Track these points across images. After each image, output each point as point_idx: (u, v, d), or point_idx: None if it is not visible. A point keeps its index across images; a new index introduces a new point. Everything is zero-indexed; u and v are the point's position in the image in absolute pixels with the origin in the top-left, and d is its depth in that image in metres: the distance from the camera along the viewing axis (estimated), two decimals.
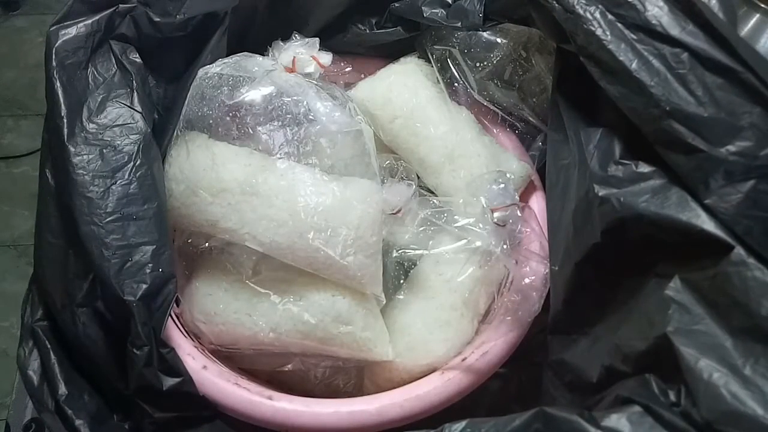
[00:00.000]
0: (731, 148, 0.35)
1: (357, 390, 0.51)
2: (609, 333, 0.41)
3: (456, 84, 0.59)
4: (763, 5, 0.54)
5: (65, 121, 0.43)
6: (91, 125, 0.44)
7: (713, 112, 0.36)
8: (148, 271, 0.42)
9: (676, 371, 0.33)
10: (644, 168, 0.39)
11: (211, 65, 0.48)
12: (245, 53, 0.50)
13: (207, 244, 0.48)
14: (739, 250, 0.34)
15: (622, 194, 0.39)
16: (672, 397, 0.33)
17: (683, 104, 0.37)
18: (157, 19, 0.48)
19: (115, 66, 0.47)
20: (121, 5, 0.47)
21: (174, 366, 0.42)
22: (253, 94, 0.47)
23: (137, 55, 0.48)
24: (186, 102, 0.48)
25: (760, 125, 0.35)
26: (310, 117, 0.48)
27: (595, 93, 0.42)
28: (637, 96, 0.38)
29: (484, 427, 0.33)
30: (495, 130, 0.60)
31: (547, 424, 0.33)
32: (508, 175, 0.52)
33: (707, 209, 0.35)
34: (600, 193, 0.39)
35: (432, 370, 0.47)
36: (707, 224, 0.35)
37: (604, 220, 0.39)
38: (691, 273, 0.36)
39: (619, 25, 0.39)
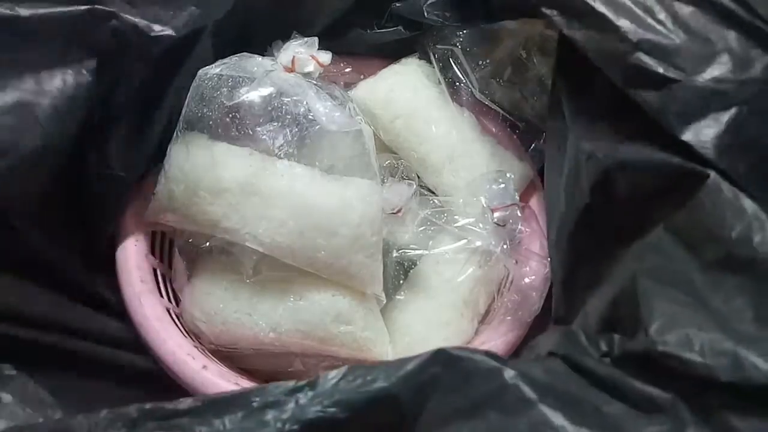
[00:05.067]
0: (707, 75, 0.34)
1: None
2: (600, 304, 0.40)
3: (457, 83, 0.59)
4: None
5: None
6: None
7: (685, 40, 0.34)
8: None
9: (635, 308, 0.32)
10: (629, 123, 0.38)
11: (210, 66, 0.48)
12: (245, 53, 0.50)
13: (207, 244, 0.49)
14: (715, 178, 0.33)
15: (606, 146, 0.38)
16: (603, 346, 0.32)
17: (651, 35, 0.35)
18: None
19: None
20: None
21: None
22: (253, 95, 0.47)
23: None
24: (186, 103, 0.48)
25: (736, 50, 0.34)
26: (310, 117, 0.47)
27: (592, 78, 0.41)
28: (603, 34, 0.36)
29: (370, 373, 0.28)
30: (495, 130, 0.60)
31: (448, 366, 0.29)
32: (508, 175, 0.52)
33: (685, 143, 0.34)
34: (586, 148, 0.39)
35: None
36: (685, 157, 0.34)
37: (591, 176, 0.39)
38: (673, 215, 0.35)
39: None
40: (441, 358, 0.29)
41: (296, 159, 0.48)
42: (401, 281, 0.52)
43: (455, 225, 0.51)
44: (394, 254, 0.52)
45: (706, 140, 0.33)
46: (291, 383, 0.28)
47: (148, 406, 0.28)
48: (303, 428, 0.27)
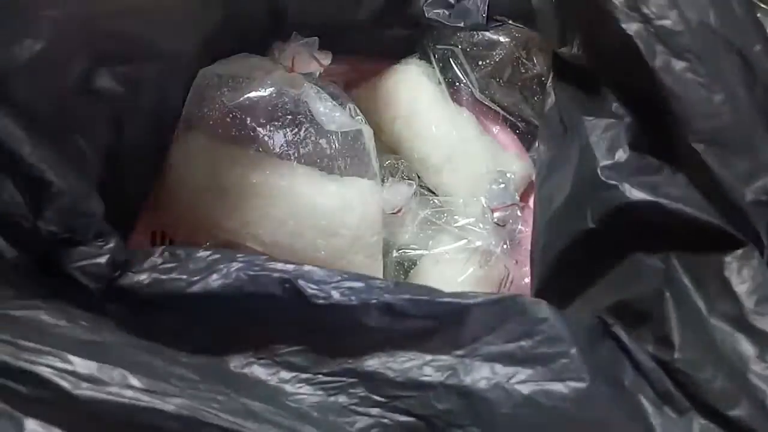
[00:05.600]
0: None
1: None
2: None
3: (457, 83, 0.59)
4: (763, 5, 0.54)
5: None
6: None
7: None
8: None
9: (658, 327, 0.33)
10: (654, 159, 0.37)
11: (210, 66, 0.48)
12: (245, 53, 0.50)
13: (208, 244, 0.48)
14: (751, 248, 0.33)
15: (631, 182, 0.37)
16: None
17: None
18: None
19: None
20: None
21: None
22: (253, 95, 0.47)
23: None
24: (186, 103, 0.48)
25: None
26: (310, 117, 0.48)
27: (597, 88, 0.41)
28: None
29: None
30: (495, 130, 0.60)
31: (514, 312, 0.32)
32: (508, 175, 0.52)
33: (726, 205, 0.34)
34: (607, 180, 0.38)
35: None
36: (721, 218, 0.34)
37: (604, 205, 0.38)
38: (690, 255, 0.35)
39: None
40: (512, 306, 0.33)
41: (296, 159, 0.48)
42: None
43: (455, 225, 0.51)
44: (394, 254, 0.52)
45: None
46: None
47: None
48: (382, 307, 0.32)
